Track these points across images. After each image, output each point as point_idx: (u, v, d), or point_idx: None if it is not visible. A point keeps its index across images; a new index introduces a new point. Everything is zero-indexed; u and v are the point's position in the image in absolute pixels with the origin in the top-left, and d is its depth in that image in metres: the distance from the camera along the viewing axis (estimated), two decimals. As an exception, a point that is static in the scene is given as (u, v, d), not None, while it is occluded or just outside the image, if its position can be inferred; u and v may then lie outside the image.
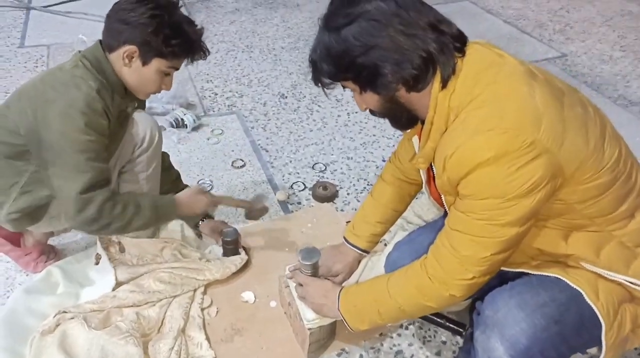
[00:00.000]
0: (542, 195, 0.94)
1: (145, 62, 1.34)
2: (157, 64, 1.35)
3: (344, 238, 1.47)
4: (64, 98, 1.27)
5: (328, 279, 1.39)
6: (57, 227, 1.52)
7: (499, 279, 1.13)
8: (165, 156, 1.76)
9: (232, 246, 1.70)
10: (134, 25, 1.29)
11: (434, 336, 1.52)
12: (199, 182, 2.07)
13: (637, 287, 1.05)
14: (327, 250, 1.48)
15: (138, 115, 1.56)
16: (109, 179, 1.36)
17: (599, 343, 1.05)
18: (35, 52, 2.98)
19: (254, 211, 1.72)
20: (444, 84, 0.97)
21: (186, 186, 1.76)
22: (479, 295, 1.12)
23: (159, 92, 1.45)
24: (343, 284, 1.38)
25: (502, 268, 1.13)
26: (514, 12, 3.85)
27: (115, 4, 1.33)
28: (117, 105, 1.38)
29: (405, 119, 1.09)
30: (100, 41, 1.37)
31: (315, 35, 1.02)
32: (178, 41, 1.33)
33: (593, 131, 0.98)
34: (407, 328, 1.54)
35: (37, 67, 2.81)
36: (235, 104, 2.62)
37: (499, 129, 0.90)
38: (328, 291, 1.27)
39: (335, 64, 0.99)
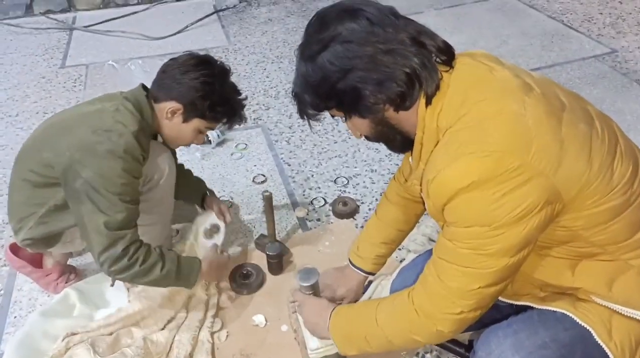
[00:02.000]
0: (535, 223, 0.84)
1: (186, 120, 1.43)
2: (197, 123, 1.44)
3: (349, 260, 1.40)
4: (105, 145, 1.29)
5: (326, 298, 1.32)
6: (70, 249, 1.55)
7: (503, 312, 1.03)
8: (188, 173, 1.78)
9: (276, 260, 1.70)
10: (186, 87, 1.38)
11: (452, 366, 1.42)
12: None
13: None
14: (331, 272, 1.42)
15: (153, 147, 1.49)
16: (137, 221, 1.36)
17: None
18: (74, 71, 3.09)
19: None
20: (429, 100, 0.90)
21: (208, 191, 1.78)
22: (482, 325, 1.03)
23: (189, 145, 1.55)
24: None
25: (506, 300, 1.04)
26: (560, 6, 3.62)
27: (174, 59, 1.43)
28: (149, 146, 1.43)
29: (399, 141, 1.01)
30: (144, 85, 1.45)
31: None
32: (222, 109, 1.44)
33: (599, 149, 0.87)
34: (423, 357, 1.45)
35: (75, 86, 2.92)
36: (261, 117, 2.60)
37: (481, 151, 0.82)
38: (322, 310, 1.20)
39: (315, 93, 0.95)
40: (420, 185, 0.98)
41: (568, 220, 0.88)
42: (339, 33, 0.89)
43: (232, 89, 1.47)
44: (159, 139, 1.52)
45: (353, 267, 1.39)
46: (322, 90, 0.93)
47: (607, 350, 0.90)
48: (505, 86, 0.89)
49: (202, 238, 1.72)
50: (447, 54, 0.92)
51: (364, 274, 1.38)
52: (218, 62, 1.46)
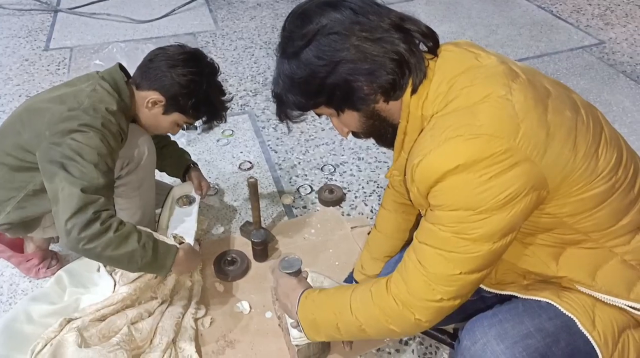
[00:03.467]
0: (520, 209, 0.83)
1: (165, 112, 1.42)
2: (176, 117, 1.44)
3: (354, 280, 1.38)
4: (82, 119, 1.27)
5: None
6: (51, 234, 1.53)
7: (488, 302, 1.03)
8: (172, 144, 1.76)
9: (261, 247, 1.69)
10: (171, 81, 1.36)
11: (435, 353, 1.43)
12: (205, 186, 2.04)
13: None
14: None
15: (132, 130, 1.46)
16: (111, 195, 1.33)
17: None
18: (58, 54, 3.03)
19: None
20: (415, 88, 0.89)
21: (192, 164, 1.76)
22: (466, 316, 1.03)
23: (170, 134, 1.54)
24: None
25: (490, 289, 1.04)
26: (550, -3, 3.62)
27: (162, 49, 1.41)
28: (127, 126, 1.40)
29: (390, 134, 1.00)
30: (120, 65, 1.42)
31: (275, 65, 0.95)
32: (205, 109, 1.44)
33: (584, 136, 0.87)
34: (407, 343, 1.45)
35: (58, 69, 2.86)
36: (249, 103, 2.58)
37: (468, 134, 0.81)
38: (291, 290, 1.15)
39: (303, 91, 0.92)
40: (404, 173, 0.97)
41: (553, 206, 0.88)
42: (323, 25, 0.86)
43: (217, 89, 1.45)
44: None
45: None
46: (310, 87, 0.90)
47: (590, 339, 0.91)
48: (491, 72, 0.88)
49: (177, 207, 1.71)
50: (432, 39, 0.91)
51: None
52: (208, 60, 1.44)
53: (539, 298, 0.96)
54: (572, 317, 0.92)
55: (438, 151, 0.83)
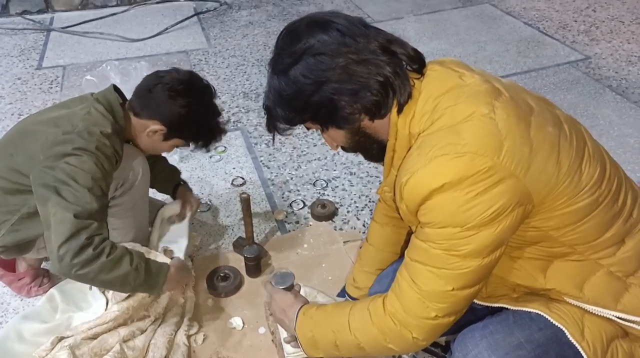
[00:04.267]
0: (507, 224, 0.85)
1: (166, 139, 1.45)
2: (176, 141, 1.48)
3: (347, 293, 1.39)
4: (77, 143, 1.27)
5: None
6: (45, 255, 1.53)
7: (479, 314, 1.04)
8: (163, 161, 1.77)
9: (254, 263, 1.69)
10: (173, 113, 1.38)
11: (428, 366, 1.44)
12: (198, 202, 2.05)
13: (629, 324, 0.94)
14: None
15: (126, 151, 1.46)
16: (104, 218, 1.33)
17: None
18: (51, 73, 3.04)
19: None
20: (400, 108, 0.91)
21: (181, 182, 1.77)
22: (458, 327, 1.04)
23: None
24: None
25: (480, 302, 1.05)
26: (536, 14, 3.70)
27: (159, 77, 1.41)
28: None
29: (376, 149, 1.02)
30: (115, 86, 1.43)
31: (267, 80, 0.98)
32: (204, 133, 1.47)
33: (567, 151, 0.89)
34: (400, 357, 1.46)
35: (51, 88, 2.87)
36: (241, 120, 2.60)
37: (453, 153, 0.83)
38: (288, 307, 1.16)
39: (290, 107, 0.95)
40: (394, 190, 0.99)
41: (539, 220, 0.90)
42: (310, 45, 0.89)
43: (215, 112, 1.48)
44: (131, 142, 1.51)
45: (352, 300, 1.35)
46: (297, 104, 0.93)
47: (579, 349, 0.92)
48: (474, 91, 0.91)
49: (167, 225, 1.71)
50: (418, 62, 0.93)
51: None
52: (204, 83, 1.46)
53: (528, 310, 0.98)
54: (561, 327, 0.94)
55: (424, 170, 0.86)
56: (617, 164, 1.01)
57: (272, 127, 1.01)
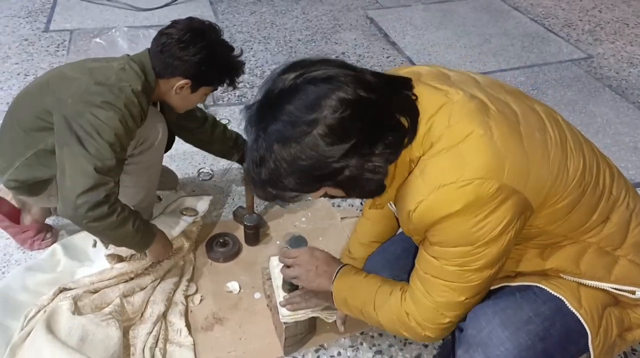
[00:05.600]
0: (512, 235, 0.91)
1: (194, 91, 1.48)
2: (204, 90, 1.50)
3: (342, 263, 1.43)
4: (106, 96, 1.31)
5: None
6: (54, 204, 1.55)
7: None
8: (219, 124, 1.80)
9: (253, 231, 1.74)
10: (189, 63, 1.40)
11: (416, 338, 1.49)
12: (200, 171, 2.08)
13: (621, 292, 1.01)
14: None
15: (151, 111, 1.49)
16: (119, 176, 1.37)
17: (587, 351, 1.01)
18: (58, 36, 3.05)
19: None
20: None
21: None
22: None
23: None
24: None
25: None
26: (542, 10, 3.72)
27: (166, 34, 1.41)
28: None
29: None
30: (149, 50, 1.45)
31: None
32: (226, 71, 1.48)
33: (555, 153, 0.93)
34: (389, 328, 1.51)
35: (57, 51, 2.88)
36: (246, 95, 2.62)
37: (461, 181, 0.86)
38: (331, 261, 1.21)
39: (307, 176, 0.86)
40: (393, 206, 1.02)
41: (535, 220, 0.95)
42: (327, 116, 0.81)
43: (227, 48, 1.48)
44: (157, 106, 1.55)
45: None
46: (318, 172, 0.85)
47: (578, 316, 0.98)
48: (465, 110, 0.91)
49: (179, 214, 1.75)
50: (403, 86, 0.93)
51: None
52: (206, 24, 1.45)
53: (528, 283, 1.04)
54: (561, 297, 1.00)
55: (434, 198, 0.88)
56: (591, 142, 1.05)
57: (275, 198, 0.94)
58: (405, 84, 0.94)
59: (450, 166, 0.87)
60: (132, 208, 1.41)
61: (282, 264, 1.28)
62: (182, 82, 1.43)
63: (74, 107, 1.31)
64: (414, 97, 0.92)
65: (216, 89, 1.56)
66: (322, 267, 1.21)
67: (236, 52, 1.50)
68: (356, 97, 0.83)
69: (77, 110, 1.30)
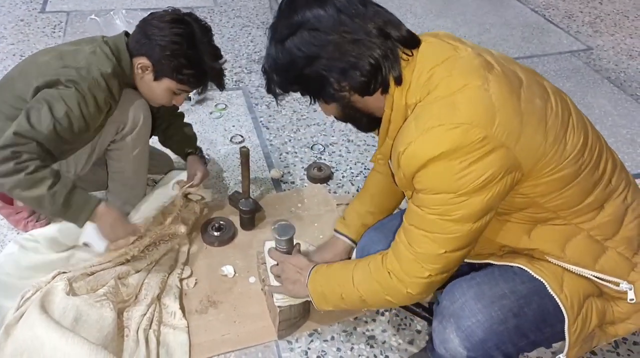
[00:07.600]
0: (496, 191, 0.91)
1: (156, 78, 1.41)
2: (167, 83, 1.41)
3: (335, 229, 1.44)
4: (71, 76, 1.29)
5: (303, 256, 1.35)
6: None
7: (466, 269, 1.10)
8: (181, 126, 1.77)
9: (248, 216, 1.74)
10: (154, 43, 1.35)
11: (409, 324, 1.50)
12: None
13: (604, 283, 1.01)
14: (320, 245, 1.48)
15: (129, 95, 1.47)
16: (57, 153, 1.33)
17: (563, 338, 1.02)
18: (54, 17, 3.02)
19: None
20: (398, 80, 0.95)
21: (194, 150, 1.75)
22: (442, 286, 1.09)
23: (170, 105, 1.51)
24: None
25: (469, 260, 1.11)
26: (543, 1, 3.71)
27: (151, 14, 1.40)
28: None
29: (365, 122, 1.07)
30: (127, 33, 1.42)
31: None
32: (191, 72, 1.38)
33: (553, 123, 0.93)
34: (383, 314, 1.52)
35: (54, 32, 2.85)
36: (243, 80, 2.61)
37: (450, 123, 0.87)
38: (302, 269, 1.25)
39: (283, 76, 0.99)
40: (390, 158, 1.04)
41: (526, 187, 0.95)
42: (306, 20, 0.92)
43: (207, 52, 1.39)
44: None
45: (338, 234, 1.42)
46: (290, 75, 0.97)
47: (558, 301, 0.99)
48: (468, 63, 0.94)
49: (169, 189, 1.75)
50: (411, 43, 0.96)
51: (348, 242, 1.40)
52: (196, 22, 1.40)
53: (511, 264, 1.04)
54: (542, 280, 1.00)
55: (421, 140, 0.90)
56: (600, 133, 1.06)
57: (270, 90, 1.04)
58: (407, 40, 0.95)
59: (442, 111, 0.89)
60: (124, 193, 1.39)
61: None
62: (144, 62, 1.37)
63: (38, 85, 1.29)
64: (409, 55, 0.95)
65: (185, 91, 1.46)
66: (294, 276, 1.25)
67: (220, 61, 1.43)
68: (334, 18, 0.91)
69: (40, 86, 1.29)
